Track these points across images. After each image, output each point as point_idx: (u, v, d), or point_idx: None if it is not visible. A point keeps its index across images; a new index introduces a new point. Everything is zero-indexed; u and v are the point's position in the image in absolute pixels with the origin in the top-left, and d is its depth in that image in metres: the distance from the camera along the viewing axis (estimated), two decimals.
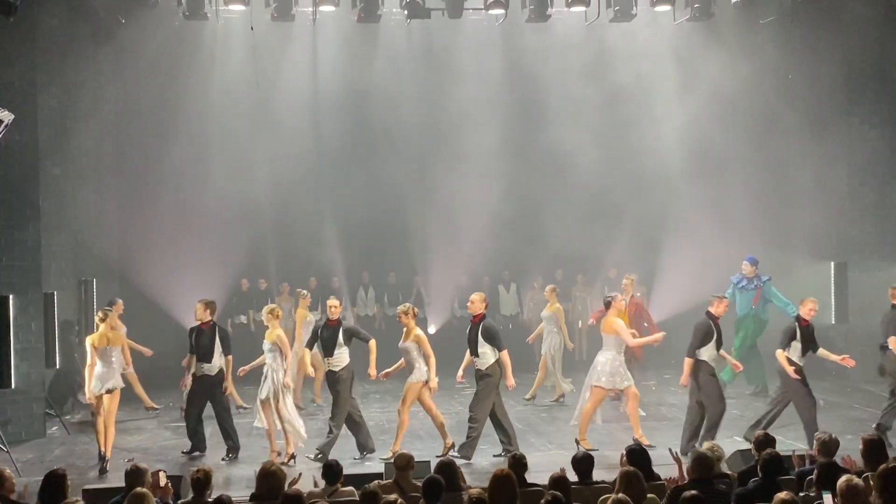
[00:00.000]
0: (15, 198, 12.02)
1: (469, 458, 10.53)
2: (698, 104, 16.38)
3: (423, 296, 17.77)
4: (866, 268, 14.99)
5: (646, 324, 14.14)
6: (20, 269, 12.03)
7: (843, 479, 5.98)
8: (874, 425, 11.12)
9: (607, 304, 11.32)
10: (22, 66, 12.07)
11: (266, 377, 10.64)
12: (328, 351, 10.82)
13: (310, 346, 11.32)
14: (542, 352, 14.28)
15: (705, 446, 7.59)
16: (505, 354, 10.78)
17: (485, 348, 10.72)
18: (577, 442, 9.90)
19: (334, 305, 11.05)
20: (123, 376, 11.25)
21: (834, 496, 6.06)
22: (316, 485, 7.43)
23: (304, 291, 14.33)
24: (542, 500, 6.13)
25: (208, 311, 11.09)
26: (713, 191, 17.05)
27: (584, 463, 7.26)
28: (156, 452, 11.27)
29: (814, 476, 6.76)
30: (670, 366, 15.82)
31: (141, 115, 16.35)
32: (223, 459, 10.75)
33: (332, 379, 10.81)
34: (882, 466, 6.00)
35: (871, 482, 6.33)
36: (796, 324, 11.01)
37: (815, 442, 7.46)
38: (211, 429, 11.29)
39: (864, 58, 15.11)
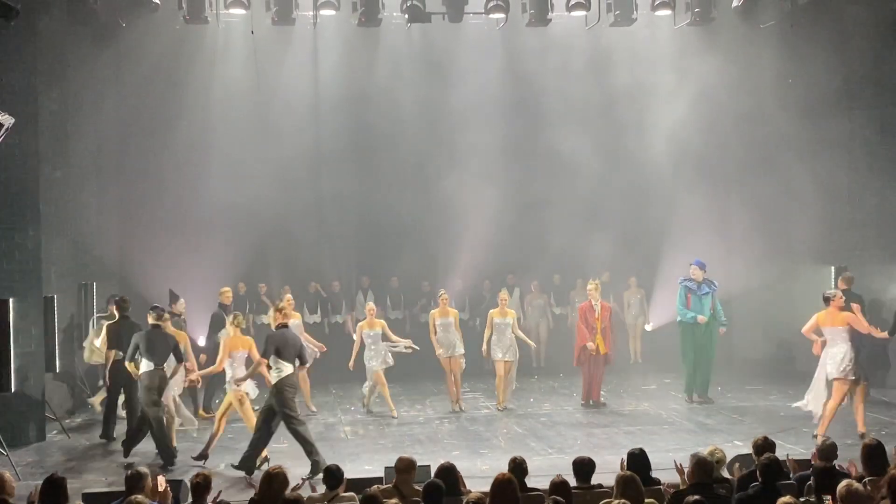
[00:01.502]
0: (15, 201, 12.01)
1: (250, 473, 10.08)
2: (698, 108, 16.41)
3: (432, 300, 17.80)
4: (867, 272, 14.96)
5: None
6: (20, 272, 12.03)
7: (843, 483, 5.98)
8: None
9: (827, 301, 11.51)
10: (22, 69, 12.07)
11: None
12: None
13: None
14: (500, 358, 13.65)
15: (707, 450, 7.57)
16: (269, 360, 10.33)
17: (278, 363, 10.35)
18: (815, 436, 10.42)
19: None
20: None
21: (834, 501, 6.06)
22: (314, 490, 7.41)
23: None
24: None
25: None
26: (713, 195, 17.06)
27: (585, 467, 7.23)
28: (156, 456, 11.24)
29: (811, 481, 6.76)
30: (670, 370, 15.82)
31: (142, 118, 16.36)
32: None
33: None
34: (892, 472, 5.99)
35: (872, 487, 6.33)
36: None
37: (815, 446, 7.48)
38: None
39: (864, 62, 15.11)
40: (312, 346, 13.56)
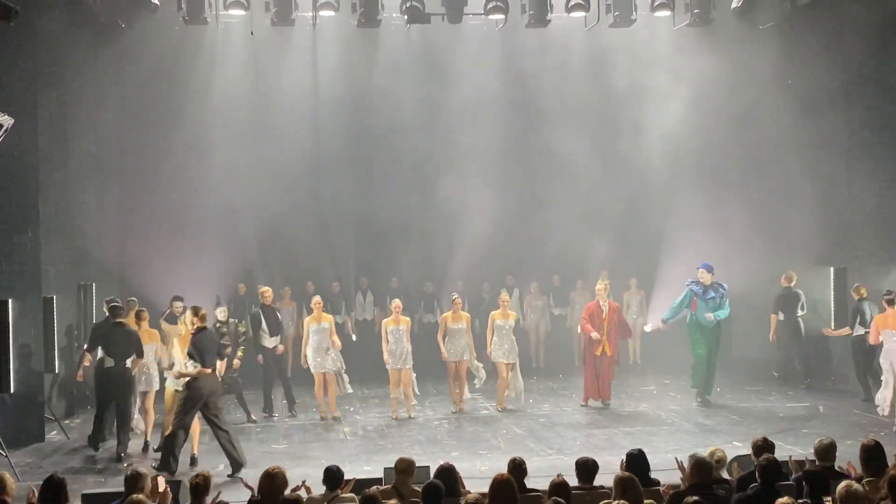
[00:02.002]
0: (15, 202, 12.03)
1: (172, 472, 10.10)
2: (697, 109, 16.41)
3: (435, 301, 17.84)
4: (866, 273, 14.99)
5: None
6: (20, 273, 12.04)
7: (842, 484, 5.98)
8: None
9: (891, 303, 11.73)
10: (22, 70, 12.08)
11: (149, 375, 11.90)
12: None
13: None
14: (502, 360, 13.62)
15: (707, 451, 7.56)
16: (203, 370, 10.33)
17: (190, 362, 10.42)
18: None
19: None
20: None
21: (834, 501, 6.07)
22: (309, 491, 7.38)
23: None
24: None
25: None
26: (712, 196, 17.05)
27: (588, 467, 7.21)
28: (156, 457, 11.23)
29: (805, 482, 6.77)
30: (670, 371, 15.84)
31: (141, 119, 16.36)
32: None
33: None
34: (891, 472, 5.99)
35: (870, 487, 6.34)
36: None
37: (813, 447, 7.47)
38: (208, 435, 11.23)
39: (863, 62, 15.12)
40: (336, 348, 13.36)
